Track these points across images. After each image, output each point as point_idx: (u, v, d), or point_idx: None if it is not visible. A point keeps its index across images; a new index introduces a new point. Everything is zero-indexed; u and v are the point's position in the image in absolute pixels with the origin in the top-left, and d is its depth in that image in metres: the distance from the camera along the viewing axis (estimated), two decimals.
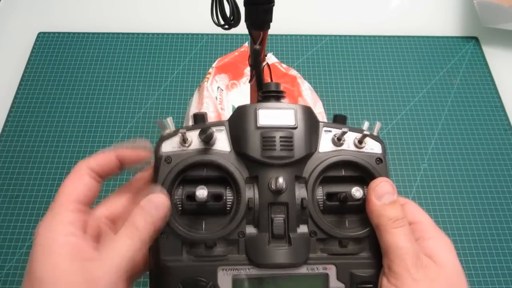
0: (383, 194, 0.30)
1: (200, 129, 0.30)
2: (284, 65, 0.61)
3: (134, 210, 0.29)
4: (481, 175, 0.61)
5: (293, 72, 0.60)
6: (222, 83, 0.59)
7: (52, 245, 0.27)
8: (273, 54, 0.62)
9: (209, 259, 0.30)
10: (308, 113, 0.32)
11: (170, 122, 0.33)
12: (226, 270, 0.30)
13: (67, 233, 0.27)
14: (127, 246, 0.27)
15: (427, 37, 0.74)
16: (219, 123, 0.32)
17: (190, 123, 0.54)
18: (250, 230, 0.30)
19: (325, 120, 0.55)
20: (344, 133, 0.32)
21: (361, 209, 0.31)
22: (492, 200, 0.59)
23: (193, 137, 0.31)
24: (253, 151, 0.30)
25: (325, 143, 0.32)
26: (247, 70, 0.60)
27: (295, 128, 0.31)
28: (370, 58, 0.72)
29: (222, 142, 0.32)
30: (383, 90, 0.68)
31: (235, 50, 0.61)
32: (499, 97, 0.68)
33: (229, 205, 0.31)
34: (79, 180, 0.29)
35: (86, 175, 0.30)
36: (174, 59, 0.71)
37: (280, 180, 0.29)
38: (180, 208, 0.31)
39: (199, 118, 0.33)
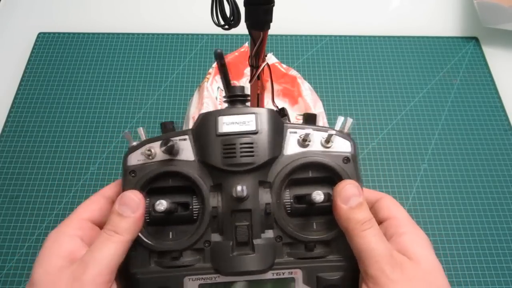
0: (349, 197, 0.29)
1: (160, 141, 0.30)
2: (284, 65, 0.61)
3: (111, 213, 0.30)
4: (481, 175, 0.61)
5: (293, 72, 0.60)
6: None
7: (54, 243, 0.29)
8: (273, 54, 0.62)
9: (175, 269, 0.30)
10: (271, 116, 0.31)
11: (141, 132, 0.32)
12: (192, 279, 0.30)
13: (73, 235, 0.29)
14: (111, 250, 0.28)
15: (427, 37, 0.74)
16: (183, 133, 0.32)
17: (191, 123, 0.54)
18: (216, 238, 0.30)
19: (325, 121, 0.55)
20: (307, 134, 0.31)
21: (328, 210, 0.31)
22: (492, 200, 0.59)
23: (157, 148, 0.31)
24: (215, 160, 0.30)
25: (291, 145, 0.32)
26: (247, 71, 0.60)
27: (256, 133, 0.30)
28: (370, 58, 0.72)
29: (186, 151, 0.31)
30: (383, 90, 0.68)
31: (235, 50, 0.61)
32: (499, 97, 0.68)
33: (196, 214, 0.31)
34: (96, 203, 0.32)
35: (103, 198, 0.32)
36: (174, 59, 0.71)
37: (239, 188, 0.29)
38: (148, 220, 0.31)
39: (167, 128, 0.33)
